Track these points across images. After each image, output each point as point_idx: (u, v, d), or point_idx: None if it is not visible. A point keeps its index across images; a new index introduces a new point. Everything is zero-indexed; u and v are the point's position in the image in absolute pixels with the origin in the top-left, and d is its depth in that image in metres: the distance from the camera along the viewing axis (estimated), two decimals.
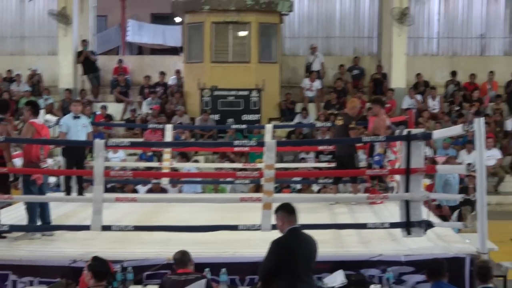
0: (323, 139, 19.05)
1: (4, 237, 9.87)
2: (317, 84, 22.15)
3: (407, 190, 9.33)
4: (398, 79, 22.17)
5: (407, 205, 9.30)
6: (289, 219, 7.14)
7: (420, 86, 22.43)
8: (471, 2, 24.56)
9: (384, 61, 23.08)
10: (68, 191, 12.96)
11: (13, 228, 9.84)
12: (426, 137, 9.94)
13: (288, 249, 6.96)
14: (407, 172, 9.35)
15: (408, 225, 9.27)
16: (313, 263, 7.20)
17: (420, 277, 8.61)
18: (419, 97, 21.79)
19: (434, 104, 21.65)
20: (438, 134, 10.78)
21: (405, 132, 9.94)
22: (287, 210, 7.21)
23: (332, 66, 23.69)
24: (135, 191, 16.00)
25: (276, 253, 6.97)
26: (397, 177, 11.30)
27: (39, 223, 10.10)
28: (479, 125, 8.45)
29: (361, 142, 12.32)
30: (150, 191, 15.84)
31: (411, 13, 22.44)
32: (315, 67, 22.76)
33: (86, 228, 9.41)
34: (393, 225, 9.56)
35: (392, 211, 11.20)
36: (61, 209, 12.26)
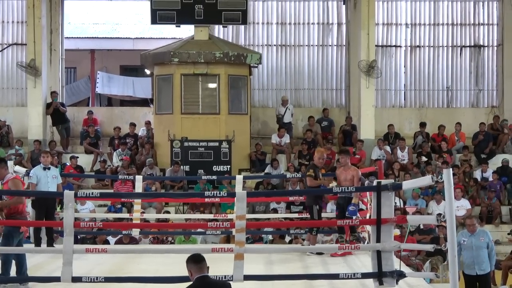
0: (293, 190, 19.13)
1: None
2: (285, 139, 22.26)
3: (378, 240, 9.37)
4: (367, 130, 22.37)
5: (378, 255, 9.32)
6: (196, 269, 7.16)
7: (391, 137, 22.62)
8: (436, 55, 24.95)
9: (353, 113, 23.31)
10: (37, 242, 12.83)
11: None
12: (396, 188, 10.01)
13: None
14: (378, 222, 9.39)
15: (380, 275, 9.26)
16: None
17: None
18: (388, 148, 21.96)
19: (403, 155, 21.84)
20: (408, 184, 10.85)
21: (375, 182, 9.99)
22: (193, 260, 7.23)
23: (301, 117, 23.86)
24: (107, 241, 15.88)
25: None
26: (368, 227, 11.34)
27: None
28: (448, 176, 8.52)
29: (331, 193, 12.38)
30: (119, 242, 15.74)
31: (378, 66, 22.74)
32: (286, 118, 22.91)
33: (56, 279, 9.30)
34: (365, 275, 9.56)
35: (364, 262, 11.23)
36: (31, 260, 12.08)
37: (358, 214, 12.21)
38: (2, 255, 10.01)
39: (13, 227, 9.91)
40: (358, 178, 12.38)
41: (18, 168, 14.91)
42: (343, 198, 12.40)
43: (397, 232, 14.08)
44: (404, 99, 25.12)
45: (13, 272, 10.13)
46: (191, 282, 8.25)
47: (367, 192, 12.21)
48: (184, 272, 9.89)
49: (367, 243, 11.86)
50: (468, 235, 12.21)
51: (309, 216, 12.98)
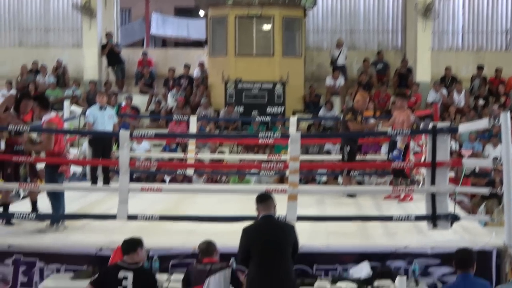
0: (346, 132, 19.02)
1: (12, 224, 9.98)
2: (340, 81, 22.09)
3: (433, 183, 9.31)
4: (423, 73, 22.04)
5: (433, 198, 9.28)
6: (262, 207, 7.43)
7: (448, 80, 22.31)
8: None
9: (408, 55, 22.97)
10: (94, 180, 13.03)
11: (40, 217, 9.93)
12: (452, 131, 9.88)
13: (254, 236, 7.29)
14: (433, 165, 9.32)
15: (434, 218, 9.25)
16: (285, 249, 7.29)
17: (446, 269, 8.62)
18: (444, 91, 21.67)
19: (459, 98, 21.51)
20: (464, 127, 10.70)
21: (430, 125, 9.88)
22: (260, 200, 7.51)
23: (356, 60, 23.62)
24: (164, 181, 16.08)
25: (244, 239, 7.33)
26: (423, 170, 11.27)
27: None
28: (505, 119, 8.41)
29: (386, 136, 12.30)
30: (173, 180, 15.91)
31: (436, 7, 22.31)
32: (340, 61, 22.71)
33: (112, 217, 9.47)
34: (419, 218, 9.54)
35: (418, 205, 11.19)
36: (87, 198, 12.36)
37: (401, 159, 12.04)
38: (52, 195, 10.17)
39: (51, 169, 9.97)
40: (410, 123, 12.17)
41: (74, 108, 15.13)
42: (391, 142, 12.32)
43: (451, 175, 13.96)
44: (462, 42, 24.67)
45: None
46: (248, 221, 8.39)
47: (423, 135, 12.11)
48: (238, 212, 10.05)
49: (422, 186, 11.80)
50: None
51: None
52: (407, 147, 12.18)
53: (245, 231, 7.40)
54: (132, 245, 7.66)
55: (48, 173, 10.02)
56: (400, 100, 12.67)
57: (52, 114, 10.16)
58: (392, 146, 12.22)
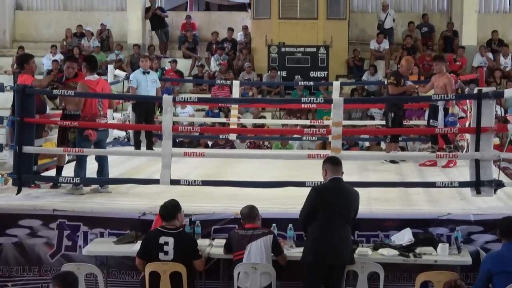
0: (390, 97, 18.86)
1: (58, 186, 10.12)
2: (384, 44, 21.86)
3: (477, 149, 9.19)
4: (469, 37, 21.70)
5: (477, 165, 9.17)
6: (332, 170, 7.60)
7: (494, 43, 21.96)
8: None
9: (454, 18, 22.62)
10: (137, 145, 13.11)
11: (85, 181, 10.04)
12: (497, 96, 9.72)
13: (324, 196, 7.46)
14: (478, 130, 9.19)
15: (478, 184, 9.13)
16: (348, 214, 7.54)
17: (489, 236, 8.52)
18: (490, 55, 21.35)
19: (505, 62, 21.18)
20: (510, 93, 10.52)
21: (475, 90, 9.75)
22: (331, 162, 7.70)
23: (401, 23, 23.32)
24: (207, 146, 16.13)
25: (312, 199, 7.49)
26: (467, 136, 11.14)
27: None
28: None
29: (430, 101, 12.16)
30: (216, 145, 15.97)
31: None
32: (387, 24, 22.46)
33: (155, 182, 9.53)
34: (463, 184, 9.44)
35: (461, 171, 11.09)
36: (130, 163, 12.47)
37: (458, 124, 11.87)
38: (77, 157, 10.24)
39: (80, 134, 9.99)
40: (452, 87, 11.92)
41: (118, 72, 15.18)
42: (431, 106, 12.15)
43: (496, 141, 13.77)
44: (510, 4, 24.16)
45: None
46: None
47: (467, 100, 11.94)
48: (280, 177, 10.06)
49: (466, 151, 11.68)
50: None
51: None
52: (447, 112, 11.97)
53: (315, 190, 7.60)
54: (170, 211, 7.76)
55: (78, 136, 10.11)
56: (437, 64, 12.39)
57: (95, 77, 10.20)
58: (433, 112, 12.03)
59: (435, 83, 12.16)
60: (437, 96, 11.26)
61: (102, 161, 10.30)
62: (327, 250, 7.38)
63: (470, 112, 10.85)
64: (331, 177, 7.56)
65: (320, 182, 8.04)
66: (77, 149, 9.83)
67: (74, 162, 10.36)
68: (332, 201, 7.43)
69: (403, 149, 15.33)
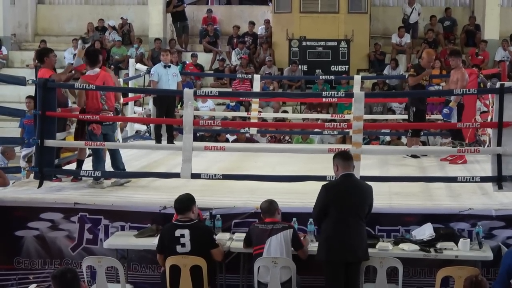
0: (412, 91, 18.78)
1: (80, 179, 10.17)
2: (406, 38, 21.76)
3: (499, 144, 9.14)
4: (491, 31, 21.56)
5: (499, 159, 9.12)
6: (343, 166, 7.55)
7: None
8: None
9: (477, 12, 22.49)
10: (158, 139, 13.14)
11: (106, 174, 10.08)
12: None
13: (335, 193, 7.44)
14: (500, 125, 9.14)
15: (499, 179, 9.09)
16: (362, 210, 7.49)
17: (511, 232, 8.49)
18: None
19: None
20: None
21: (498, 84, 9.67)
22: (342, 157, 7.64)
23: (423, 16, 23.18)
24: (227, 140, 16.15)
25: (323, 196, 7.48)
26: (489, 130, 11.07)
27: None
28: None
29: (452, 95, 12.08)
30: (237, 139, 15.97)
31: None
32: (413, 19, 22.36)
33: (176, 175, 9.56)
34: (484, 179, 9.39)
35: (483, 166, 11.03)
36: (151, 157, 12.50)
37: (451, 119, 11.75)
38: (92, 151, 10.29)
39: (89, 129, 9.99)
40: (463, 82, 11.76)
41: (139, 65, 15.22)
42: (446, 101, 12.08)
43: None
44: None
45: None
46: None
47: (489, 95, 11.86)
48: (300, 171, 10.05)
49: (488, 146, 11.61)
50: None
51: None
52: (463, 107, 11.87)
53: (326, 188, 7.57)
54: (185, 204, 7.79)
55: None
56: (453, 59, 12.29)
57: (95, 71, 10.13)
58: (445, 105, 11.98)
59: (451, 78, 12.10)
60: (459, 90, 11.18)
61: (115, 153, 10.32)
62: (340, 247, 7.37)
63: (492, 107, 10.77)
64: (342, 173, 7.53)
65: None
66: (98, 142, 9.87)
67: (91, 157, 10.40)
68: (344, 198, 7.41)
69: (424, 143, 15.25)
